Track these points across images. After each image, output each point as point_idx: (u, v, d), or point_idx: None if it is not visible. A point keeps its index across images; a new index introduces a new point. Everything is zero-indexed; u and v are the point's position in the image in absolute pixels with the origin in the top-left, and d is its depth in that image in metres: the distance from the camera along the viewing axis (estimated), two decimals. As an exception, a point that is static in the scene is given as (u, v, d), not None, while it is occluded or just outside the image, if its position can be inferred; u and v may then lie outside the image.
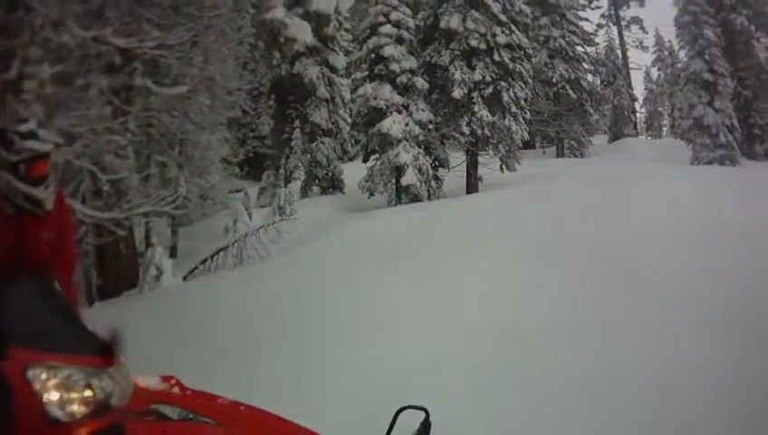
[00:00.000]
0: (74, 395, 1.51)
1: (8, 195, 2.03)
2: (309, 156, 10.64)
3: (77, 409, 1.50)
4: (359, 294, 5.20)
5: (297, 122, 10.29)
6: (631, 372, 3.34)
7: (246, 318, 5.03)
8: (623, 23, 40.47)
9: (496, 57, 14.23)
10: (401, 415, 1.70)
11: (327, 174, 11.54)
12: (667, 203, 8.19)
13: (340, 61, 11.20)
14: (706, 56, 23.84)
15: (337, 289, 5.41)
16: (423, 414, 1.72)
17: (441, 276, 5.46)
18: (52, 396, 1.49)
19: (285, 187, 9.01)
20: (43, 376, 1.50)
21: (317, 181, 11.51)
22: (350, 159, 13.13)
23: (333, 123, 10.96)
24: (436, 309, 4.70)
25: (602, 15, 39.46)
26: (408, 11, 13.44)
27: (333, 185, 12.15)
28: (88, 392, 1.52)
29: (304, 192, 11.18)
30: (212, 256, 7.32)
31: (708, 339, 3.70)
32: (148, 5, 6.22)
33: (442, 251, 6.27)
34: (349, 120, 11.73)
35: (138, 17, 5.95)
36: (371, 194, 12.13)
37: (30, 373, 1.49)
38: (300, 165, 10.55)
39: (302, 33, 9.47)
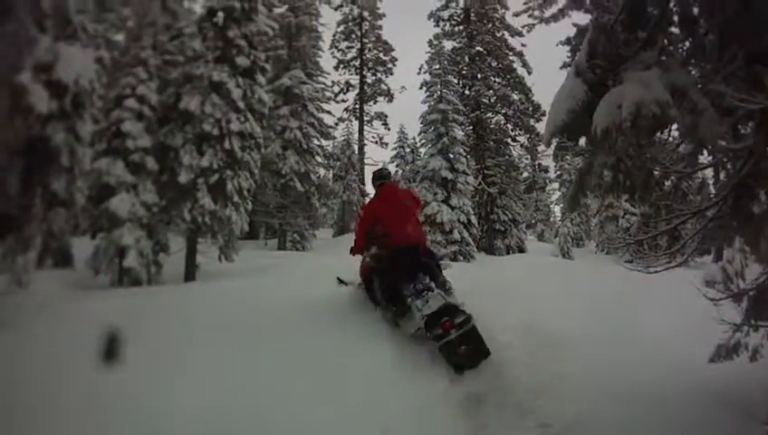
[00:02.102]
0: None
1: None
2: (45, 225, 12.39)
3: None
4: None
5: (39, 188, 11.89)
6: None
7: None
8: (367, 118, 45.93)
9: (227, 144, 16.31)
10: None
11: (60, 247, 13.40)
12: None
13: (86, 129, 13.04)
14: (450, 154, 27.90)
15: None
16: None
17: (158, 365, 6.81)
18: None
19: (24, 255, 10.78)
20: None
21: (50, 253, 13.26)
22: (83, 234, 14.95)
23: (70, 194, 12.76)
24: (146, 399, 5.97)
25: (346, 109, 44.79)
26: (153, 87, 15.49)
27: (64, 259, 14.03)
28: None
29: (39, 263, 12.82)
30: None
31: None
32: None
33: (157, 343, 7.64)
34: (85, 192, 13.63)
35: None
36: (97, 273, 13.90)
37: None
38: (38, 233, 12.09)
39: (40, 102, 11.38)
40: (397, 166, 54.37)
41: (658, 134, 5.98)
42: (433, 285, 8.29)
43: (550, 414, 6.63)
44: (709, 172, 7.87)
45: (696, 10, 5.93)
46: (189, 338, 8.09)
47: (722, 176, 7.07)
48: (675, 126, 5.85)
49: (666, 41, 6.10)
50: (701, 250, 7.04)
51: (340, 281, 11.81)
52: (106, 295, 12.30)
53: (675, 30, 6.17)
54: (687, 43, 6.21)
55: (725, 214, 6.00)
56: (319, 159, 31.03)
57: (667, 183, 7.08)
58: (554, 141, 6.29)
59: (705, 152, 6.54)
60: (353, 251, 9.55)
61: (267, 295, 11.69)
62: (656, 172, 6.42)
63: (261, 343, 8.01)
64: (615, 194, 6.28)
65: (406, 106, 75.79)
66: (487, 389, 7.37)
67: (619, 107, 5.22)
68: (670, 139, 6.61)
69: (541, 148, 40.90)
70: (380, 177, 9.37)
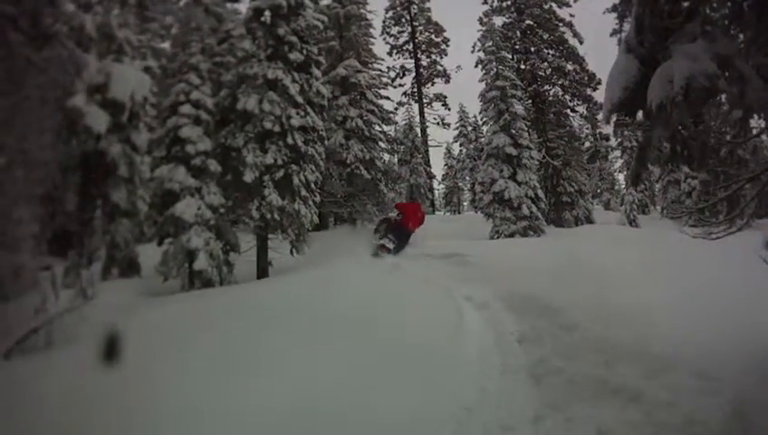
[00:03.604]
0: None
1: None
2: (108, 237, 12.34)
3: None
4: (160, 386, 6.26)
5: (99, 201, 11.88)
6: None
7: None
8: (426, 100, 45.35)
9: (289, 140, 16.09)
10: None
11: (125, 256, 13.34)
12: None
13: (141, 139, 12.93)
14: (512, 130, 27.41)
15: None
16: None
17: (248, 364, 6.78)
18: None
19: (88, 268, 10.64)
20: None
21: (116, 263, 13.22)
22: (149, 241, 14.91)
23: (132, 204, 12.69)
24: (240, 398, 5.91)
25: (404, 93, 44.60)
26: (208, 90, 15.25)
27: (131, 267, 13.95)
28: None
29: (105, 274, 12.80)
30: (24, 338, 8.81)
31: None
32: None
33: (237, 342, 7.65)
34: (147, 200, 13.59)
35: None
36: (166, 278, 13.75)
37: None
38: (101, 245, 12.06)
39: (97, 123, 11.27)
40: (461, 145, 53.92)
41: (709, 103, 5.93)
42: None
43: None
44: (763, 137, 7.95)
45: None
46: (267, 334, 7.99)
47: None
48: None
49: (708, 10, 6.10)
50: (759, 213, 7.32)
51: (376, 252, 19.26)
52: (178, 299, 12.25)
53: None
54: (728, 11, 6.10)
55: None
56: (382, 144, 30.70)
57: (723, 150, 7.05)
58: (613, 118, 6.47)
59: (755, 117, 6.33)
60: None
61: (336, 287, 11.59)
62: (710, 141, 6.48)
63: (332, 336, 7.97)
64: (674, 164, 6.63)
65: (465, 84, 74.63)
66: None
67: (671, 81, 5.31)
68: (724, 106, 6.56)
69: (600, 118, 39.60)
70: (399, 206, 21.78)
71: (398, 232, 20.11)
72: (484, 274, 14.39)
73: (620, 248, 16.55)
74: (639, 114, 6.17)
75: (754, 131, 6.86)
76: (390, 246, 19.46)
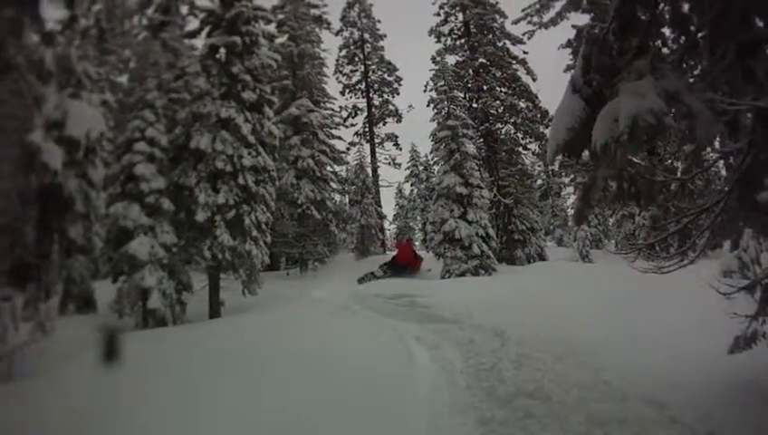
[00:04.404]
0: None
1: None
2: (65, 272, 12.52)
3: None
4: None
5: (56, 236, 12.07)
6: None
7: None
8: (377, 139, 45.71)
9: (241, 180, 16.39)
10: None
11: (82, 292, 13.52)
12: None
13: (98, 175, 13.15)
14: (463, 170, 27.49)
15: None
16: None
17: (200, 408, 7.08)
18: None
19: (45, 302, 10.86)
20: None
21: (72, 299, 13.39)
22: (104, 278, 15.09)
23: (88, 239, 12.87)
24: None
25: (356, 133, 44.76)
26: (162, 128, 15.58)
27: (87, 304, 14.11)
28: None
29: (62, 309, 12.96)
30: (-17, 371, 8.99)
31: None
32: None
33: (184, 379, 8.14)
34: (103, 236, 13.78)
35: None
36: (121, 316, 13.91)
37: None
38: (59, 280, 12.26)
39: (53, 159, 11.56)
40: (412, 185, 54.70)
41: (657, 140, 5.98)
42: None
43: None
44: (716, 167, 7.87)
45: (686, 6, 6.04)
46: (216, 373, 8.30)
47: (723, 171, 7.19)
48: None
49: (659, 43, 6.30)
50: (712, 245, 7.05)
51: (373, 275, 25.10)
52: (131, 338, 12.27)
53: (666, 31, 6.30)
54: (681, 43, 6.28)
55: (732, 207, 6.07)
56: (333, 184, 31.25)
57: (674, 184, 7.13)
58: (558, 158, 6.48)
59: (707, 149, 6.58)
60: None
61: (287, 328, 12.16)
62: (659, 177, 6.45)
63: (284, 373, 8.32)
64: (621, 203, 6.50)
65: (416, 124, 75.73)
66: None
67: (616, 120, 5.34)
68: (671, 141, 6.91)
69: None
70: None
71: (390, 264, 27.85)
72: (434, 314, 14.75)
73: (572, 285, 17.11)
74: (585, 153, 6.22)
75: (705, 164, 7.09)
76: (379, 273, 26.65)
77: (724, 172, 7.09)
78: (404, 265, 27.71)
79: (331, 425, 6.72)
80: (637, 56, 5.94)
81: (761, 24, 5.41)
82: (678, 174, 7.12)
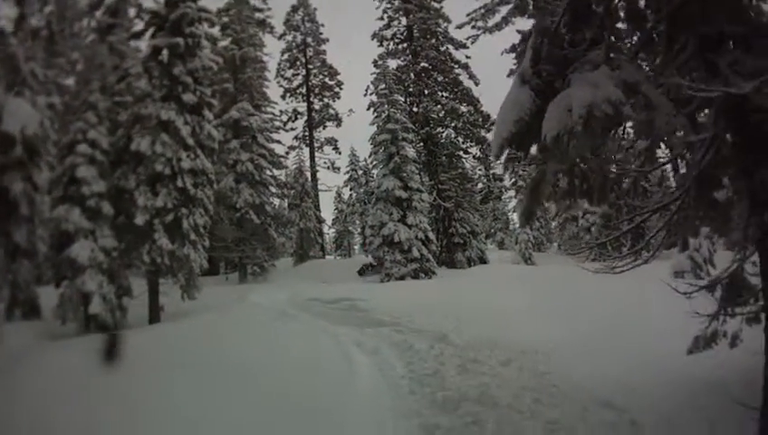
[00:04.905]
0: None
1: None
2: (10, 277, 12.43)
3: None
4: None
5: (1, 239, 11.95)
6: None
7: None
8: (317, 144, 46.24)
9: (179, 183, 16.39)
10: None
11: (26, 298, 13.44)
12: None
13: (42, 178, 13.12)
14: (402, 173, 27.97)
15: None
16: None
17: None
18: None
19: None
20: None
21: (18, 304, 13.31)
22: (47, 284, 14.99)
23: (32, 243, 12.79)
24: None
25: (296, 137, 45.32)
26: (104, 130, 15.61)
27: (32, 310, 14.03)
28: None
29: (8, 315, 12.88)
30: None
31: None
32: None
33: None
34: (47, 240, 13.71)
35: None
36: (64, 322, 13.90)
37: None
38: (4, 285, 12.17)
39: None
40: (351, 189, 55.04)
41: (612, 133, 5.91)
42: None
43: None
44: (669, 166, 7.91)
45: (642, 2, 5.81)
46: (150, 380, 8.35)
47: (681, 168, 6.97)
48: (629, 123, 5.84)
49: (613, 38, 5.86)
50: (666, 244, 6.91)
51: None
52: (72, 344, 12.34)
53: (621, 26, 6.01)
54: (636, 39, 6.07)
55: (689, 205, 5.95)
56: (273, 189, 31.32)
57: (626, 181, 6.91)
58: (505, 153, 6.15)
59: (662, 146, 6.35)
60: None
61: (225, 334, 12.30)
62: (612, 173, 6.31)
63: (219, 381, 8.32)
64: (572, 200, 6.19)
65: (356, 129, 76.30)
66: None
67: (569, 110, 5.07)
68: (625, 136, 6.58)
69: (492, 158, 41.34)
70: None
71: None
72: (373, 318, 14.98)
73: (515, 287, 17.39)
74: (533, 149, 5.96)
75: (661, 160, 6.76)
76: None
77: (681, 170, 6.88)
78: None
79: (275, 430, 6.70)
80: (591, 48, 5.71)
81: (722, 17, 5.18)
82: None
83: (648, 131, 5.53)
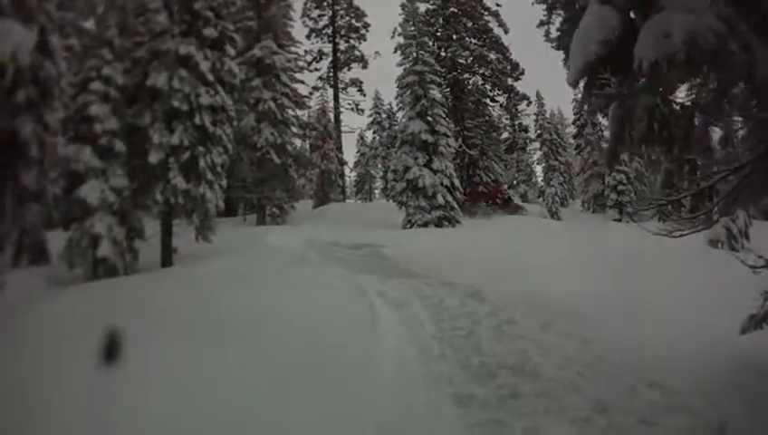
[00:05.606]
0: None
1: None
2: (19, 221, 11.99)
3: None
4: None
5: (9, 183, 11.46)
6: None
7: None
8: (341, 85, 45.68)
9: (197, 120, 15.87)
10: None
11: (35, 242, 13.05)
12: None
13: (54, 118, 12.61)
14: (428, 117, 27.45)
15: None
16: None
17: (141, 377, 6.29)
18: None
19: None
20: None
21: (25, 250, 12.93)
22: (56, 227, 14.64)
23: (41, 186, 12.32)
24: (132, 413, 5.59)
25: (320, 78, 44.95)
26: (119, 66, 15.05)
27: (41, 255, 13.64)
28: None
29: (15, 261, 12.50)
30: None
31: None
32: None
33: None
34: (57, 182, 13.26)
35: None
36: (72, 266, 13.50)
37: None
38: (13, 230, 11.77)
39: None
40: (374, 132, 54.50)
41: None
42: None
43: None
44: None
45: None
46: (156, 336, 7.63)
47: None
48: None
49: None
50: (726, 211, 6.09)
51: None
52: (79, 291, 11.96)
53: None
54: None
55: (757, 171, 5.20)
56: (294, 129, 30.72)
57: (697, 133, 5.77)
58: (582, 81, 5.49)
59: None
60: None
61: (241, 283, 11.53)
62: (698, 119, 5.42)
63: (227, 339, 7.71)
64: (649, 146, 5.41)
65: (380, 72, 75.29)
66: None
67: (668, 36, 4.41)
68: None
69: (521, 107, 40.63)
70: None
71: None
72: (399, 267, 14.37)
73: (548, 242, 16.79)
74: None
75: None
76: None
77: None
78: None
79: (290, 400, 6.00)
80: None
81: None
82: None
83: (748, 75, 4.70)
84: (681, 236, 6.09)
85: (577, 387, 6.38)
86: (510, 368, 6.95)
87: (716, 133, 6.77)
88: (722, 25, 4.31)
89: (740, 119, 5.90)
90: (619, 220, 31.69)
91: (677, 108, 5.19)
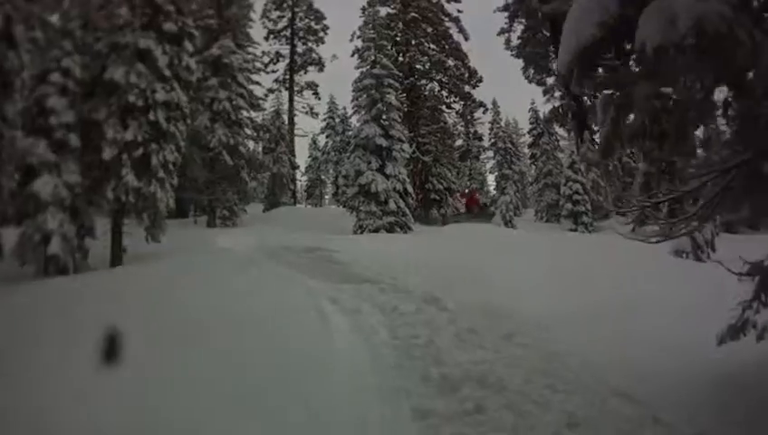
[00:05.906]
0: None
1: None
2: None
3: None
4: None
5: None
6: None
7: None
8: (297, 87, 45.66)
9: (152, 116, 15.61)
10: None
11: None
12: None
13: (13, 110, 12.32)
14: (384, 121, 27.03)
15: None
16: None
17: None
18: None
19: None
20: None
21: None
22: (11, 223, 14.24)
23: None
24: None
25: (276, 80, 44.70)
26: (78, 59, 14.75)
27: (-6, 251, 13.18)
28: None
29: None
30: None
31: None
32: None
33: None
34: (16, 177, 12.91)
35: None
36: (23, 263, 13.16)
37: None
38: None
39: None
40: (327, 137, 54.35)
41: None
42: None
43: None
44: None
45: None
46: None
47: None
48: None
49: None
50: (707, 217, 5.82)
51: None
52: (27, 288, 11.60)
53: None
54: None
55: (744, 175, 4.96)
56: (248, 131, 30.45)
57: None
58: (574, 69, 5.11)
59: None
60: None
61: (188, 283, 11.26)
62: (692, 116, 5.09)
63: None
64: (640, 142, 5.12)
65: (336, 77, 75.16)
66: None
67: (672, 21, 4.17)
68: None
69: (477, 115, 40.91)
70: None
71: None
72: (352, 273, 13.98)
73: (504, 250, 16.40)
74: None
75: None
76: None
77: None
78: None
79: (232, 415, 5.56)
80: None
81: None
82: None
83: (756, 64, 4.48)
84: (657, 242, 5.97)
85: (546, 401, 6.08)
86: (474, 379, 6.59)
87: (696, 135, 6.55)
88: (729, 10, 4.13)
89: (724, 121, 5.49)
90: (575, 230, 31.96)
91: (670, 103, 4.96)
